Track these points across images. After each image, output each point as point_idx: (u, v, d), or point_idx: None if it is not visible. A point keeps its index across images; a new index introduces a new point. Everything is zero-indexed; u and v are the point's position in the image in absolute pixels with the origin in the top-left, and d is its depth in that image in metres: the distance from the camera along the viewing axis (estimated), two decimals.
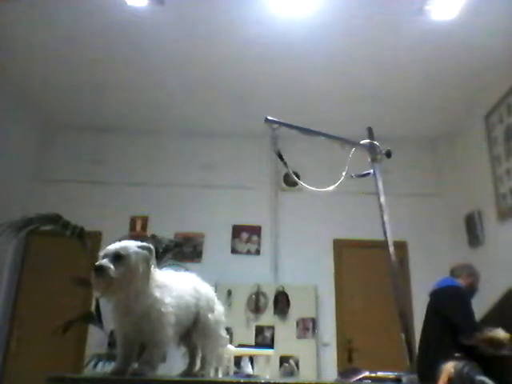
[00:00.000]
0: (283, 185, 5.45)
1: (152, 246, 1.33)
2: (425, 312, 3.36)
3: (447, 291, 3.27)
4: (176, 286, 1.38)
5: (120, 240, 1.32)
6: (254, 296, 4.95)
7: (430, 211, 5.42)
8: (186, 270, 1.63)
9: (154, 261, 1.33)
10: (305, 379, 4.19)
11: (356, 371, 1.54)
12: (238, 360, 3.28)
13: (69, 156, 5.53)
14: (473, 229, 4.80)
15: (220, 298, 1.57)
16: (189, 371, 1.47)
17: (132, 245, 1.30)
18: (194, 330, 1.46)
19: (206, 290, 1.52)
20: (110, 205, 5.29)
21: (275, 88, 4.74)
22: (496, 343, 2.69)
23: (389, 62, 4.29)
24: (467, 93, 4.67)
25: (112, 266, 1.21)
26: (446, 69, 4.34)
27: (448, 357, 2.77)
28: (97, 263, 1.21)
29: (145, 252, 1.31)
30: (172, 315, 1.31)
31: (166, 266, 4.10)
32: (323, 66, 4.38)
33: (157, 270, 1.36)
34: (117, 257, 1.24)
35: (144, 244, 1.32)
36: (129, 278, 1.24)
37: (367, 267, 5.13)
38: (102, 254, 1.26)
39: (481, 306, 3.25)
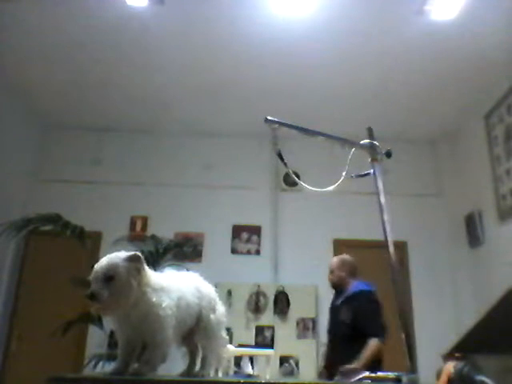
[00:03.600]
0: (283, 185, 5.45)
1: (139, 254, 1.30)
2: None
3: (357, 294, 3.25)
4: (176, 286, 1.38)
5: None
6: (254, 296, 4.95)
7: (430, 211, 5.42)
8: (187, 270, 1.63)
9: (144, 267, 1.31)
10: (305, 379, 4.19)
11: (356, 371, 1.54)
12: (238, 360, 3.28)
13: (69, 156, 5.53)
14: (473, 229, 4.80)
15: (220, 298, 1.57)
16: (189, 371, 1.47)
17: (119, 260, 1.27)
18: (195, 329, 1.46)
19: (208, 290, 1.52)
20: (109, 205, 5.29)
21: (275, 88, 4.74)
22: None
23: (389, 61, 4.29)
24: (467, 93, 4.67)
25: (104, 291, 1.21)
26: (446, 68, 4.34)
27: (349, 358, 2.85)
28: (88, 292, 1.22)
29: (134, 263, 1.29)
30: (172, 317, 1.30)
31: (166, 266, 4.11)
32: (323, 66, 4.38)
33: (152, 273, 1.35)
34: (107, 278, 1.23)
35: (131, 254, 1.30)
36: (124, 293, 1.24)
37: (367, 267, 5.12)
38: (91, 276, 1.25)
39: (480, 306, 3.25)
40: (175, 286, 1.38)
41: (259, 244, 5.32)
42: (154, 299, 1.28)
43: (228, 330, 4.02)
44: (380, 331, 3.01)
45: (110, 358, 3.94)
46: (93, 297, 1.21)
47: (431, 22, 3.75)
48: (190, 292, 1.42)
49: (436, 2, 3.55)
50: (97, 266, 1.26)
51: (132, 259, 1.29)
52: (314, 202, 5.26)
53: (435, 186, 5.52)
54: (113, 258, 1.28)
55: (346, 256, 3.50)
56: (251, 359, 3.29)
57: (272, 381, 1.63)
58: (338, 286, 3.35)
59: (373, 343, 2.95)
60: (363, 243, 5.07)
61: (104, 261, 1.27)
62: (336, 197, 4.92)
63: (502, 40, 3.90)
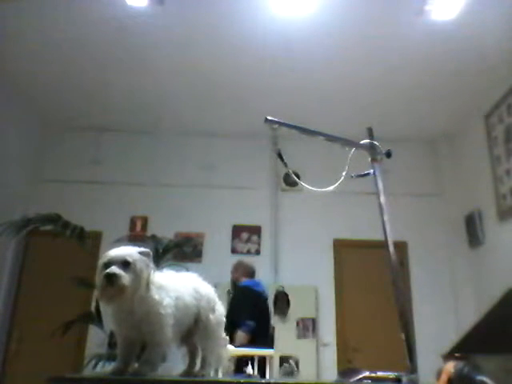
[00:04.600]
0: (283, 185, 5.45)
1: (150, 251, 1.33)
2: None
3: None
4: (174, 286, 1.38)
5: (118, 241, 1.33)
6: None
7: (430, 211, 5.42)
8: (187, 270, 1.63)
9: (152, 265, 1.33)
10: (305, 379, 4.19)
11: (356, 371, 1.54)
12: (237, 360, 3.27)
13: (69, 156, 5.53)
14: (473, 229, 4.80)
15: (220, 298, 1.57)
16: (189, 371, 1.47)
17: (134, 250, 1.30)
18: (194, 330, 1.46)
19: (207, 291, 1.52)
20: (109, 205, 5.29)
21: (275, 88, 4.74)
22: None
23: (389, 62, 4.29)
24: (467, 93, 4.67)
25: (124, 274, 1.21)
26: (446, 69, 4.34)
27: None
28: (108, 271, 1.20)
29: (145, 257, 1.31)
30: (171, 316, 1.31)
31: (166, 266, 4.11)
32: (323, 67, 4.38)
33: (155, 272, 1.36)
34: (125, 263, 1.24)
35: (143, 249, 1.32)
36: (136, 284, 1.24)
37: (367, 267, 5.13)
38: (105, 260, 1.24)
39: (480, 306, 3.26)
40: (173, 285, 1.38)
41: (259, 244, 5.32)
42: (157, 297, 1.29)
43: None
44: (243, 323, 3.30)
45: (110, 357, 3.93)
46: (112, 276, 1.19)
47: (431, 22, 3.75)
48: (187, 292, 1.42)
49: (436, 2, 3.55)
50: (112, 253, 1.26)
51: (144, 254, 1.31)
52: (314, 202, 5.26)
53: (435, 186, 5.52)
54: (127, 248, 1.30)
55: (242, 260, 4.08)
56: (251, 359, 3.29)
57: (272, 381, 1.63)
58: (234, 286, 3.88)
59: (238, 336, 3.24)
60: (363, 243, 5.07)
61: (119, 249, 1.28)
62: (336, 197, 4.92)
63: (502, 40, 3.90)
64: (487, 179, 4.54)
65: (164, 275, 1.42)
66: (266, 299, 3.78)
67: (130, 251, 1.28)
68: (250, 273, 3.91)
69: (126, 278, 1.20)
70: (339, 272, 5.22)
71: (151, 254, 1.33)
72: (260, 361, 3.11)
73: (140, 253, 1.30)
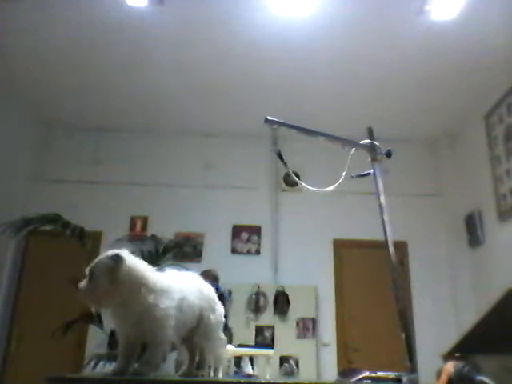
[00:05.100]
0: (283, 185, 5.45)
1: (120, 254, 1.30)
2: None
3: None
4: (178, 287, 1.37)
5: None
6: (253, 296, 4.95)
7: (430, 211, 5.43)
8: (187, 270, 1.63)
9: (124, 267, 1.28)
10: (305, 379, 4.19)
11: (356, 371, 1.54)
12: (237, 360, 3.28)
13: (69, 156, 5.53)
14: (473, 229, 4.81)
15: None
16: (189, 371, 1.47)
17: (103, 257, 1.31)
18: (195, 330, 1.46)
19: (208, 291, 1.52)
20: (110, 205, 5.29)
21: (275, 88, 4.74)
22: None
23: (389, 62, 4.29)
24: (467, 93, 4.67)
25: (84, 286, 1.29)
26: (446, 69, 4.34)
27: None
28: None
29: (111, 261, 1.28)
30: (172, 317, 1.30)
31: (166, 266, 4.11)
32: (323, 67, 4.38)
33: (154, 273, 1.35)
34: (90, 274, 1.30)
35: (113, 253, 1.30)
36: (98, 289, 1.27)
37: (367, 267, 5.14)
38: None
39: (480, 306, 3.26)
40: (177, 286, 1.37)
41: (259, 244, 5.32)
42: (151, 300, 1.27)
43: (228, 329, 4.05)
44: None
45: (110, 357, 3.93)
46: (78, 289, 1.30)
47: (431, 22, 3.75)
48: (191, 293, 1.42)
49: (436, 2, 3.55)
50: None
51: (110, 257, 1.30)
52: (314, 202, 5.26)
53: (435, 186, 5.52)
54: (102, 255, 1.32)
55: (209, 269, 4.11)
56: (251, 359, 3.30)
57: (272, 381, 1.63)
58: None
59: None
60: (363, 243, 5.07)
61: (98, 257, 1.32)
62: (336, 197, 4.92)
63: (502, 40, 3.90)
64: (487, 179, 4.54)
65: (168, 275, 1.41)
66: (224, 301, 3.92)
67: (98, 259, 1.31)
68: (213, 278, 4.03)
69: (84, 289, 1.29)
70: (339, 272, 5.22)
71: (122, 256, 1.29)
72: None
73: (107, 256, 1.29)
